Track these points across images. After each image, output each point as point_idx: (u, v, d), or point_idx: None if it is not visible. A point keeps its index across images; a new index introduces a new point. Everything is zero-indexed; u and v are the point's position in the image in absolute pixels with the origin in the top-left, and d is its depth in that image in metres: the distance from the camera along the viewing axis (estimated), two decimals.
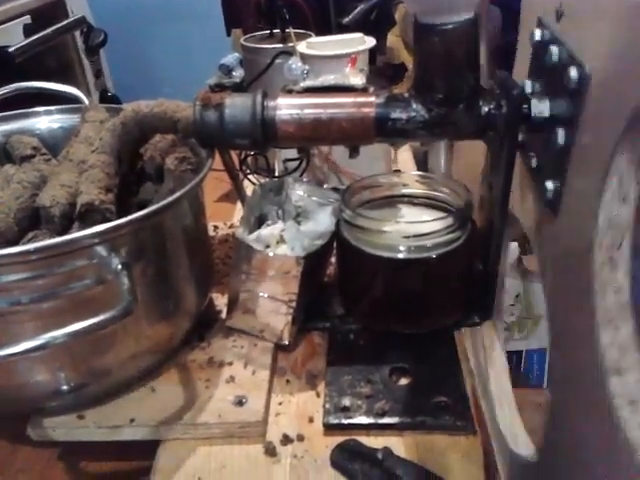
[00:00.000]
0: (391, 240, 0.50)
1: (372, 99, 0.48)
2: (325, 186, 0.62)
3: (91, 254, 0.42)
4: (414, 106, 0.47)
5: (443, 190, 0.57)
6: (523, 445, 0.44)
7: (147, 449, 0.49)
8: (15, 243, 0.49)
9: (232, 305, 0.58)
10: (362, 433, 0.49)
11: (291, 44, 0.80)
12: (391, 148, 0.79)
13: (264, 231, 0.56)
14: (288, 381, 0.55)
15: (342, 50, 0.71)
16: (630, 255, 0.31)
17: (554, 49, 0.37)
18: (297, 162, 0.73)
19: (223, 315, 0.61)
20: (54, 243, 0.40)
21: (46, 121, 0.64)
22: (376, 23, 1.04)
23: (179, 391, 0.52)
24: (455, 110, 0.46)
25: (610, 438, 0.29)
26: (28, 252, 0.39)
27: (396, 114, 0.47)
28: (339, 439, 0.48)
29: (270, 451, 0.48)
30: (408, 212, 0.57)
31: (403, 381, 0.54)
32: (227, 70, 0.98)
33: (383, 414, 0.50)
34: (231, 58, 1.00)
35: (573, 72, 0.33)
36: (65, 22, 1.25)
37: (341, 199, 0.54)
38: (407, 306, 0.54)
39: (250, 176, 0.78)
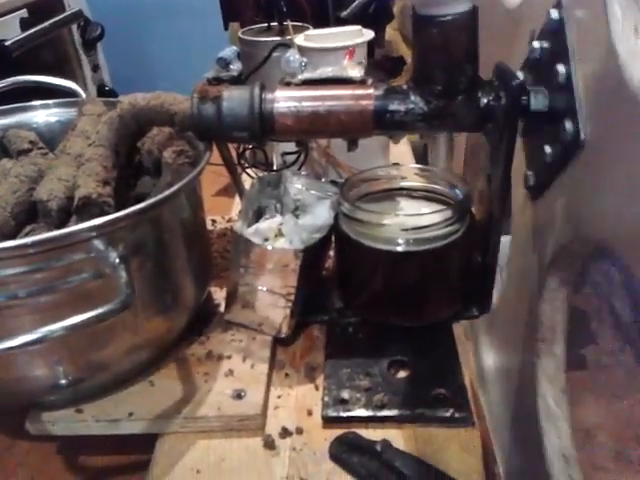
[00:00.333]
0: (390, 233, 0.50)
1: (370, 91, 0.48)
2: (323, 179, 0.62)
3: (89, 248, 0.42)
4: (413, 98, 0.46)
5: (442, 183, 0.56)
6: None
7: (146, 443, 0.50)
8: (12, 237, 0.49)
9: (231, 299, 0.58)
10: (361, 426, 0.49)
11: (289, 37, 0.79)
12: (390, 141, 0.79)
13: (262, 225, 0.56)
14: (287, 374, 0.55)
15: (340, 43, 0.71)
16: None
17: None
18: (295, 155, 0.73)
19: (222, 309, 0.61)
20: (52, 237, 0.40)
21: (43, 115, 0.64)
22: (374, 17, 1.04)
23: (178, 385, 0.52)
24: (454, 102, 0.46)
25: None
26: (26, 246, 0.39)
27: (394, 106, 0.47)
28: (338, 432, 0.48)
29: (269, 444, 0.48)
30: (407, 205, 0.57)
31: (402, 374, 0.54)
32: (225, 63, 0.98)
33: (382, 407, 0.50)
34: (229, 51, 0.99)
35: None
36: (62, 16, 1.25)
37: (340, 192, 0.54)
38: (406, 299, 0.54)
39: (248, 169, 0.78)
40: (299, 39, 0.74)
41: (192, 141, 0.56)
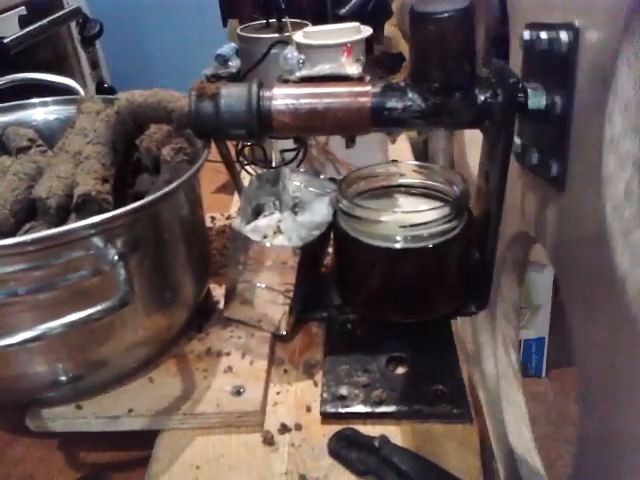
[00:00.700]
0: (388, 230, 0.50)
1: (368, 88, 0.48)
2: (322, 176, 0.62)
3: (88, 245, 0.42)
4: (410, 95, 0.46)
5: (440, 180, 0.56)
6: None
7: (145, 439, 0.50)
8: (12, 235, 0.49)
9: (230, 296, 0.58)
10: (359, 422, 0.49)
11: (287, 34, 0.79)
12: (388, 138, 0.79)
13: (261, 222, 0.57)
14: (286, 371, 0.55)
15: (338, 40, 0.71)
16: None
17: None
18: (294, 152, 0.73)
19: (221, 306, 0.61)
20: (51, 234, 0.40)
21: (42, 112, 0.64)
22: (373, 13, 1.03)
23: (177, 381, 0.53)
24: (451, 99, 0.46)
25: None
26: (25, 243, 0.39)
27: (392, 103, 0.47)
28: (336, 428, 0.48)
29: (268, 440, 0.48)
30: (405, 202, 0.57)
31: (400, 370, 0.54)
32: (223, 60, 0.98)
33: (380, 403, 0.50)
34: (227, 48, 0.99)
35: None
36: (61, 13, 1.25)
37: (338, 189, 0.54)
38: (404, 296, 0.54)
39: (247, 167, 0.78)
40: (297, 36, 0.74)
41: (190, 139, 0.56)
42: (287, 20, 0.82)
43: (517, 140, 0.47)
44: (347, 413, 0.50)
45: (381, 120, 0.47)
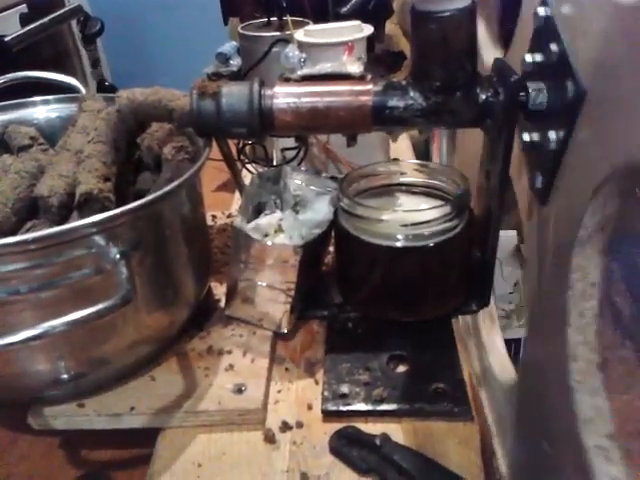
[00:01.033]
0: (389, 229, 0.50)
1: (369, 87, 0.48)
2: (323, 175, 0.62)
3: (89, 243, 0.42)
4: (411, 94, 0.46)
5: (441, 178, 0.57)
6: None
7: (147, 437, 0.50)
8: (13, 233, 0.49)
9: (231, 294, 0.58)
10: (360, 420, 0.50)
11: (288, 32, 0.79)
12: (389, 137, 0.79)
13: (262, 220, 0.57)
14: (287, 369, 0.55)
15: (339, 38, 0.71)
16: None
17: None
18: (295, 151, 0.73)
19: (222, 304, 0.61)
20: (52, 233, 0.41)
21: (43, 111, 0.64)
22: (374, 12, 1.03)
23: (179, 379, 0.53)
24: (452, 98, 0.46)
25: None
26: (26, 242, 0.39)
27: (393, 102, 0.47)
28: (338, 426, 0.49)
29: (269, 438, 0.48)
30: (406, 200, 0.57)
31: (401, 368, 0.54)
32: (224, 59, 0.98)
33: (381, 401, 0.50)
34: (228, 47, 0.99)
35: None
36: (62, 11, 1.25)
37: (339, 188, 0.54)
38: (405, 294, 0.54)
39: (248, 165, 0.78)
40: (298, 34, 0.74)
41: (192, 137, 0.56)
42: (288, 18, 0.82)
43: None
44: (348, 411, 0.50)
45: (382, 119, 0.47)
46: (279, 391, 0.53)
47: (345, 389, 0.51)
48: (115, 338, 0.49)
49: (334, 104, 0.48)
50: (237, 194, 0.84)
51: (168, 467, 0.47)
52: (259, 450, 0.48)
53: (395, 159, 0.81)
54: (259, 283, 0.55)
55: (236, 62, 0.98)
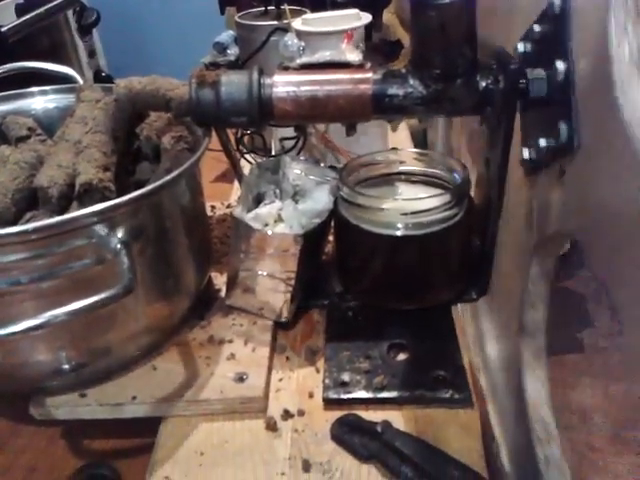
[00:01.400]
0: (389, 217, 0.50)
1: (369, 75, 0.48)
2: (322, 164, 0.62)
3: (90, 233, 0.42)
4: (411, 82, 0.46)
5: (440, 167, 0.57)
6: None
7: (149, 426, 0.50)
8: (13, 224, 0.49)
9: (231, 284, 0.58)
10: (361, 407, 0.50)
11: (286, 21, 0.79)
12: (387, 126, 0.79)
13: (262, 210, 0.57)
14: (288, 358, 0.55)
15: (338, 26, 0.70)
16: None
17: None
18: (294, 141, 0.73)
19: (222, 294, 0.61)
20: (53, 223, 0.41)
21: (41, 101, 0.64)
22: (371, 1, 1.03)
23: (180, 369, 0.53)
24: (452, 85, 0.46)
25: None
26: (27, 232, 0.39)
27: (393, 90, 0.47)
28: (339, 413, 0.49)
29: (271, 426, 0.49)
30: (405, 189, 0.57)
31: (401, 356, 0.54)
32: (222, 48, 0.97)
33: (382, 388, 0.50)
34: (225, 36, 0.99)
35: None
36: (57, 1, 1.23)
37: (339, 177, 0.54)
38: (405, 283, 0.54)
39: (247, 155, 0.78)
40: (296, 23, 0.74)
41: (191, 127, 0.56)
42: (285, 7, 0.82)
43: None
44: (349, 399, 0.50)
45: (382, 107, 0.47)
46: (280, 379, 0.53)
47: (346, 377, 0.51)
48: (116, 328, 0.49)
49: (334, 92, 0.48)
50: (236, 184, 0.84)
51: (170, 456, 0.47)
52: (261, 438, 0.48)
53: (394, 148, 0.81)
54: (259, 272, 0.55)
55: (233, 51, 0.98)
